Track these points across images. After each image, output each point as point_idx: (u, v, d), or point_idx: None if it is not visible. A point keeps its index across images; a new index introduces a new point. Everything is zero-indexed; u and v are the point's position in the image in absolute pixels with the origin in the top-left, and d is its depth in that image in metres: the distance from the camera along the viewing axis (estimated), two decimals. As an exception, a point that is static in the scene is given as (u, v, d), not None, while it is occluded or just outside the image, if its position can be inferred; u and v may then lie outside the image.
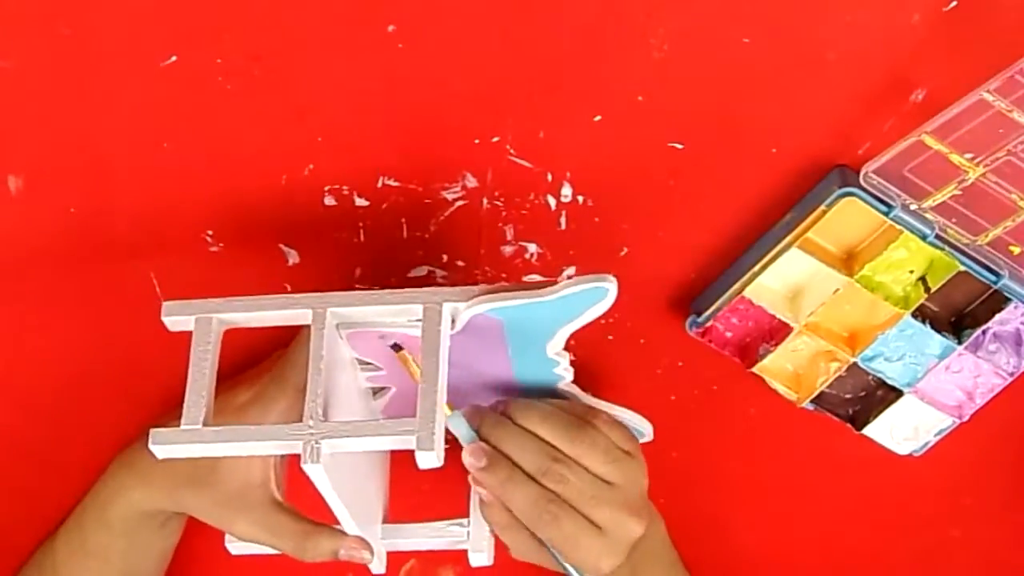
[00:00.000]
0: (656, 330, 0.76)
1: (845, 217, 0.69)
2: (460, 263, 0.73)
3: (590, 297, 0.62)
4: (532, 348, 0.66)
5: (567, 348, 0.66)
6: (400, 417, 0.61)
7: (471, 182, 0.70)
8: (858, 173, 0.68)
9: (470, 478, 0.67)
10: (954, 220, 0.69)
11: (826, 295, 0.72)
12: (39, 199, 0.68)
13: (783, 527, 0.85)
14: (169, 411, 0.70)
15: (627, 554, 0.67)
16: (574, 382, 0.69)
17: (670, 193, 0.71)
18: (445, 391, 0.61)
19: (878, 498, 0.84)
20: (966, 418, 0.76)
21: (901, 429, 0.77)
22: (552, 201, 0.71)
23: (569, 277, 0.74)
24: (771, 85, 0.68)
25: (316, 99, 0.67)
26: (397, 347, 0.65)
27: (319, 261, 0.72)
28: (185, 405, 0.62)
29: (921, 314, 0.73)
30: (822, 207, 0.69)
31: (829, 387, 0.75)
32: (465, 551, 0.71)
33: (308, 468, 0.60)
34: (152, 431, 0.62)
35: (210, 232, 0.70)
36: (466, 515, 0.70)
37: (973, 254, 0.70)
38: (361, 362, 0.67)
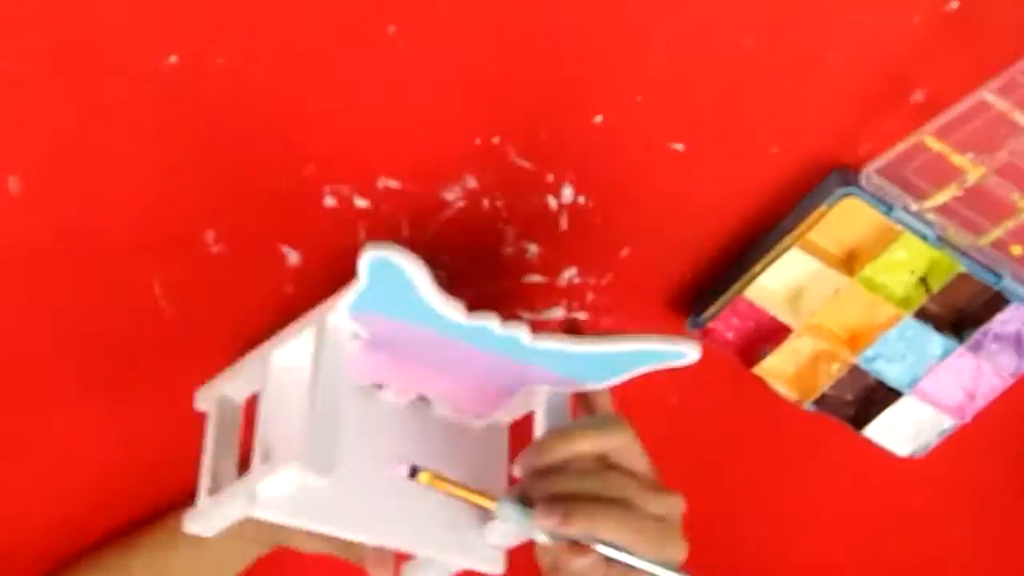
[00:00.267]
0: (656, 330, 0.76)
1: (846, 217, 0.69)
2: (460, 264, 0.73)
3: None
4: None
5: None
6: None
7: (471, 183, 0.70)
8: (859, 173, 0.68)
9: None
10: (955, 221, 0.69)
11: (827, 296, 0.72)
12: (39, 199, 0.68)
13: (783, 527, 0.85)
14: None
15: None
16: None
17: (670, 193, 0.71)
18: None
19: (878, 498, 0.84)
20: (967, 419, 0.76)
21: (902, 430, 0.77)
22: (552, 202, 0.71)
23: (570, 278, 0.74)
24: (771, 85, 0.68)
25: (316, 99, 0.67)
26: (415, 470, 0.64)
27: (319, 261, 0.72)
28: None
29: (922, 315, 0.73)
30: (823, 207, 0.69)
31: (830, 388, 0.75)
32: None
33: None
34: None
35: (210, 232, 0.70)
36: None
37: (974, 255, 0.70)
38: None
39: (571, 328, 0.68)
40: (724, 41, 0.66)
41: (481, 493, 0.63)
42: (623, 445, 0.65)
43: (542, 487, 0.64)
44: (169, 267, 0.71)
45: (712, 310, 0.73)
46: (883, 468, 0.80)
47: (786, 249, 0.71)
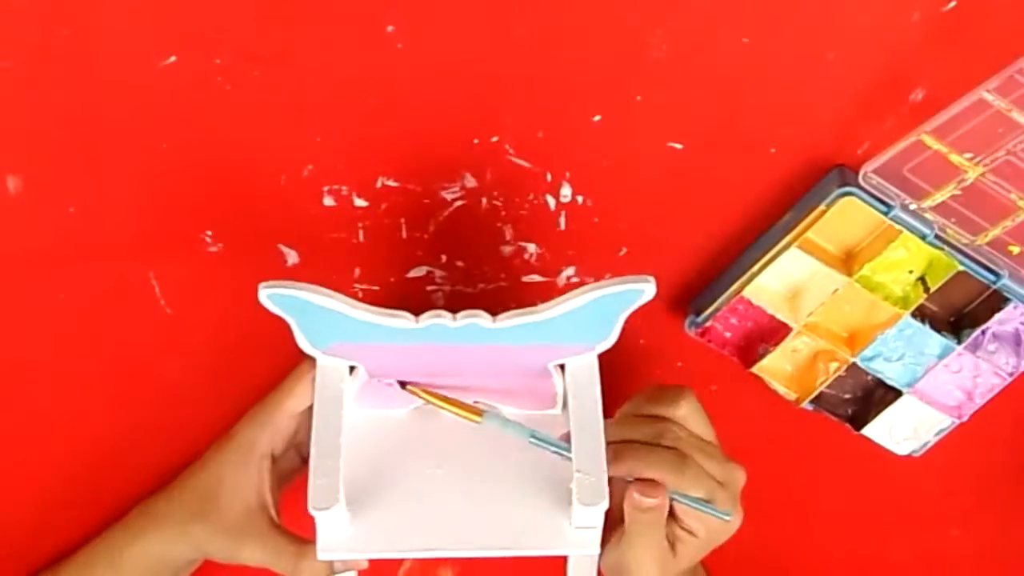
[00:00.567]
0: (655, 330, 0.76)
1: (844, 217, 0.69)
2: (459, 263, 0.73)
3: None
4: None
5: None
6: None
7: (470, 182, 0.70)
8: (857, 173, 0.68)
9: (626, 501, 0.65)
10: (953, 220, 0.69)
11: (825, 295, 0.72)
12: (39, 199, 0.68)
13: (782, 527, 0.85)
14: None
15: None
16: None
17: (669, 193, 0.71)
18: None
19: (878, 498, 0.84)
20: (965, 418, 0.76)
21: (900, 429, 0.77)
22: (551, 201, 0.71)
23: (568, 278, 0.74)
24: (770, 85, 0.68)
25: (315, 99, 0.67)
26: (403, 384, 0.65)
27: (318, 261, 0.72)
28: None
29: (920, 314, 0.73)
30: (821, 207, 0.69)
31: (828, 387, 0.76)
32: None
33: None
34: None
35: (209, 232, 0.70)
36: None
37: (972, 254, 0.70)
38: None
39: None
40: (723, 40, 0.66)
41: (469, 407, 0.64)
42: (688, 414, 0.66)
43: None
44: (168, 267, 0.71)
45: (711, 309, 0.73)
46: (882, 467, 0.80)
47: (785, 249, 0.71)
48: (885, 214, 0.69)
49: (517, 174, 0.70)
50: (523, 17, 0.65)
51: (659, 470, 0.64)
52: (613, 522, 0.68)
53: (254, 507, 0.70)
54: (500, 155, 0.69)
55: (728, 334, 0.75)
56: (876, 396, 0.77)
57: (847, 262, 0.72)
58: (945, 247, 0.70)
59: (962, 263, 0.70)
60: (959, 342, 0.73)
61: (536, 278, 0.74)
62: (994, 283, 0.71)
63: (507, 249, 0.73)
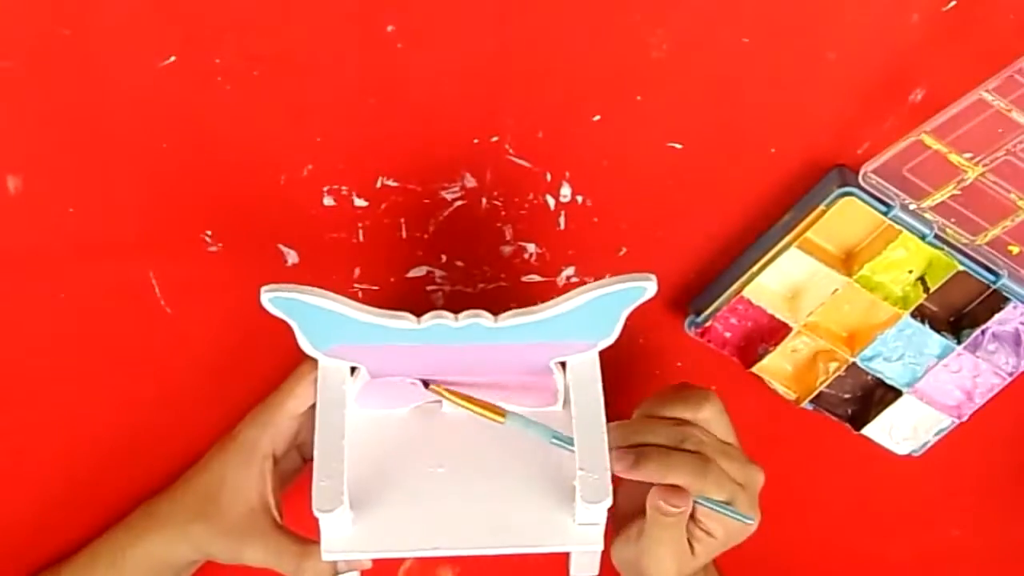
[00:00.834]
0: (655, 330, 0.76)
1: (844, 217, 0.69)
2: (459, 263, 0.73)
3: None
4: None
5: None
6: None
7: (470, 182, 0.70)
8: (857, 173, 0.68)
9: (649, 502, 0.65)
10: (953, 220, 0.69)
11: (825, 295, 0.72)
12: (39, 199, 0.68)
13: (782, 527, 0.84)
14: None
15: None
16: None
17: (669, 193, 0.71)
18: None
19: (877, 498, 0.84)
20: (965, 418, 0.76)
21: (900, 429, 0.77)
22: (551, 201, 0.71)
23: (568, 277, 0.74)
24: (770, 85, 0.68)
25: (315, 99, 0.67)
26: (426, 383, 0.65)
27: (318, 261, 0.72)
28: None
29: (920, 314, 0.73)
30: (821, 207, 0.69)
31: (828, 387, 0.76)
32: None
33: None
34: None
35: (209, 232, 0.70)
36: None
37: (972, 254, 0.70)
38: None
39: None
40: (723, 40, 0.66)
41: (492, 407, 0.64)
42: (711, 416, 0.67)
43: (622, 437, 0.65)
44: (168, 267, 0.71)
45: (711, 309, 0.73)
46: (881, 467, 0.80)
47: (785, 249, 0.71)
48: (885, 214, 0.69)
49: (517, 174, 0.70)
50: (523, 17, 0.65)
51: (683, 475, 0.64)
52: (623, 517, 0.68)
53: (256, 507, 0.70)
54: (500, 155, 0.69)
55: (728, 334, 0.75)
56: (876, 396, 0.77)
57: (847, 262, 0.72)
58: (945, 247, 0.70)
59: (962, 263, 0.70)
60: (959, 342, 0.73)
61: (536, 278, 0.74)
62: (994, 283, 0.71)
63: (507, 249, 0.73)
